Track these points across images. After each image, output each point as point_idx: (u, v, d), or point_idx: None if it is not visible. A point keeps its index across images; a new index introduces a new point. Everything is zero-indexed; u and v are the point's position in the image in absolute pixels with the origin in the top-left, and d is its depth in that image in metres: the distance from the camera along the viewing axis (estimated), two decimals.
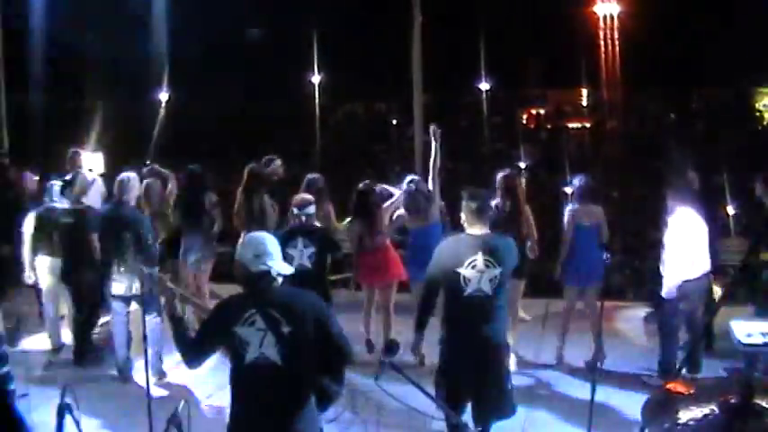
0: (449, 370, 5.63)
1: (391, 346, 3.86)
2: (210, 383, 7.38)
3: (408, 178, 8.33)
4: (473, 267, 5.49)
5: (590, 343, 7.83)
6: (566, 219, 8.01)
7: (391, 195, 8.54)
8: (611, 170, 14.73)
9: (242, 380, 3.98)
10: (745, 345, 6.05)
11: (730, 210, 11.38)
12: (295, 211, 7.28)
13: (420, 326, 5.67)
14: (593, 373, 6.84)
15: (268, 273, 4.01)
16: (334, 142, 18.53)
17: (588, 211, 7.96)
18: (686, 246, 7.30)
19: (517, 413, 6.72)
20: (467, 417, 5.69)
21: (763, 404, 2.89)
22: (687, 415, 2.91)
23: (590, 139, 19.03)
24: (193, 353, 4.17)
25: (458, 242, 5.76)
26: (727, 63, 18.93)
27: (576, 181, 8.11)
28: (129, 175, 7.81)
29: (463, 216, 5.80)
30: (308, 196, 7.58)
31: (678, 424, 2.87)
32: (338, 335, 4.05)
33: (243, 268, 4.06)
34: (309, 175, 9.00)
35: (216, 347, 4.13)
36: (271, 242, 4.12)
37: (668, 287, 7.34)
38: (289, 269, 4.14)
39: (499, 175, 8.19)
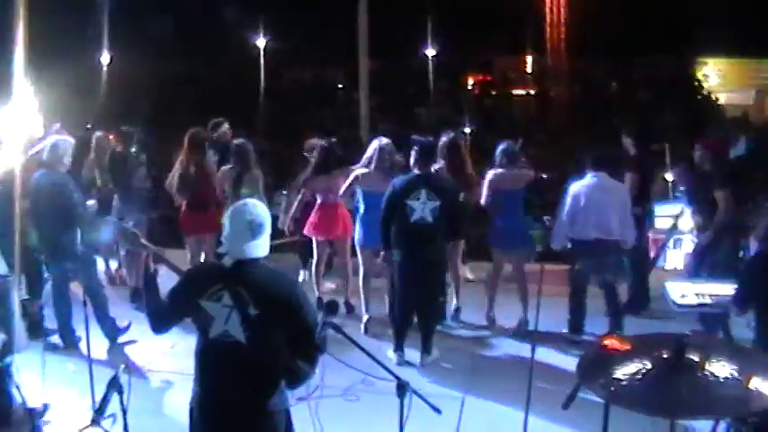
0: (399, 285, 7.27)
1: (331, 306, 3.85)
2: (153, 349, 7.36)
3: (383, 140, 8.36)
4: (417, 199, 7.00)
5: (531, 307, 8.00)
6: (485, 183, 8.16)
7: None
8: (555, 137, 14.95)
9: (205, 354, 3.89)
10: (679, 305, 6.29)
11: (669, 176, 11.61)
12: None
13: (386, 244, 7.31)
14: (522, 337, 7.78)
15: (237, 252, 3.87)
16: (280, 107, 18.32)
17: (512, 175, 8.10)
18: (576, 207, 7.62)
19: (460, 373, 7.01)
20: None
21: (695, 358, 2.98)
22: (622, 371, 2.98)
23: (535, 106, 19.18)
24: (160, 318, 4.10)
25: (406, 179, 7.23)
26: (670, 32, 19.20)
27: (501, 145, 8.27)
28: (59, 140, 7.64)
29: (411, 159, 7.34)
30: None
31: (614, 379, 2.94)
32: (311, 328, 3.84)
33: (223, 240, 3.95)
34: (235, 141, 9.00)
35: (182, 317, 4.03)
36: (249, 217, 3.90)
37: (553, 242, 7.87)
38: (260, 254, 3.92)
39: (443, 139, 8.32)
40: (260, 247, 3.90)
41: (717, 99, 21.40)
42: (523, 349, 7.30)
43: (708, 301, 6.17)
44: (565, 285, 8.00)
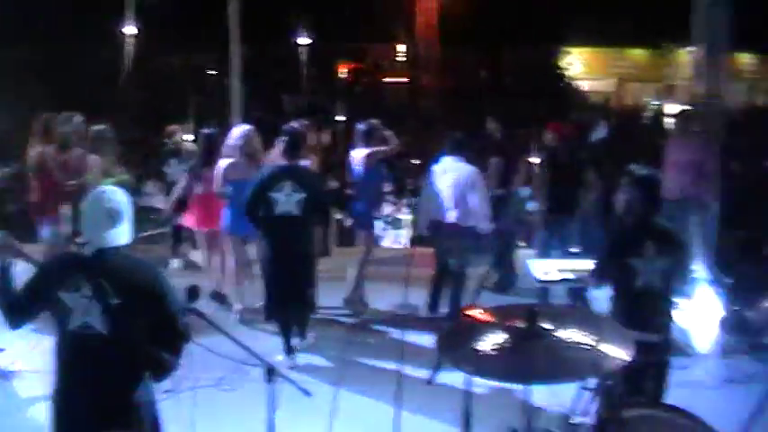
0: (270, 278, 7.10)
1: (192, 292, 3.77)
2: (15, 348, 7.05)
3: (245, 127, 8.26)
4: (281, 191, 6.82)
5: (403, 289, 8.16)
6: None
7: None
8: (426, 123, 15.26)
9: (65, 348, 3.72)
10: (542, 282, 6.53)
11: (534, 160, 11.99)
12: None
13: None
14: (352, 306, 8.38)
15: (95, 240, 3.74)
16: (149, 94, 17.79)
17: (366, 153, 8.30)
18: (431, 191, 7.95)
19: (332, 360, 7.03)
20: None
21: (547, 326, 3.10)
22: (480, 343, 3.06)
23: (406, 94, 19.39)
24: (15, 313, 3.87)
25: (271, 170, 7.07)
26: (536, 22, 19.82)
27: (361, 126, 8.42)
28: None
29: (277, 150, 7.40)
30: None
31: (473, 350, 3.01)
32: (175, 315, 3.79)
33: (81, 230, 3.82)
34: (95, 126, 8.71)
35: (40, 310, 3.84)
36: (108, 205, 3.79)
37: (419, 225, 8.23)
38: (121, 241, 3.81)
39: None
40: (120, 235, 3.80)
41: (581, 87, 22.26)
42: (395, 333, 7.42)
43: (570, 276, 6.44)
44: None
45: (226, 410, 6.04)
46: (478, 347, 3.01)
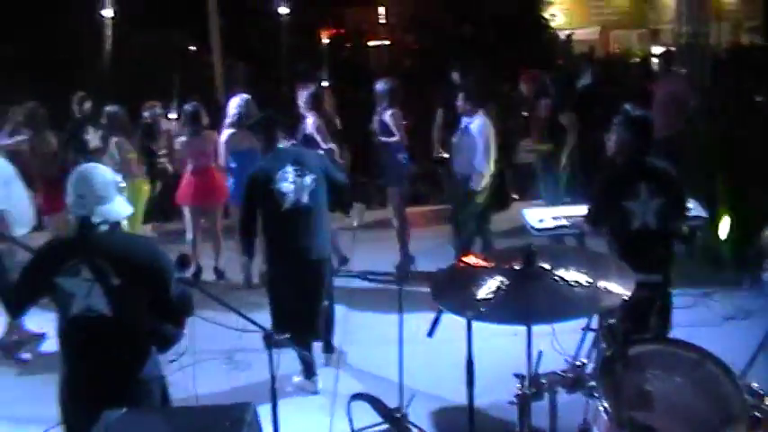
0: (274, 286, 5.98)
1: (183, 261, 3.71)
2: None
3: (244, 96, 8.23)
4: (286, 180, 5.70)
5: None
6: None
7: None
8: (410, 83, 15.23)
9: (70, 333, 3.68)
10: (538, 230, 6.52)
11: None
12: None
13: (247, 248, 5.99)
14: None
15: (88, 218, 3.63)
16: (130, 74, 17.58)
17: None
18: (490, 145, 7.80)
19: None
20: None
21: (545, 266, 3.07)
22: (479, 289, 3.04)
23: (389, 56, 19.21)
24: (13, 300, 3.86)
25: (268, 158, 5.98)
26: None
27: (381, 84, 8.47)
28: None
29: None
30: None
31: (472, 295, 2.99)
32: (176, 294, 3.71)
33: (68, 210, 3.74)
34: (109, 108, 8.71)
35: (37, 297, 3.78)
36: (100, 180, 3.71)
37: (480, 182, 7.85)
38: (121, 215, 3.75)
39: (304, 93, 8.17)
40: (114, 212, 3.73)
41: (568, 36, 22.11)
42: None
43: (565, 222, 6.43)
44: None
45: (228, 380, 6.02)
46: (477, 292, 2.98)
